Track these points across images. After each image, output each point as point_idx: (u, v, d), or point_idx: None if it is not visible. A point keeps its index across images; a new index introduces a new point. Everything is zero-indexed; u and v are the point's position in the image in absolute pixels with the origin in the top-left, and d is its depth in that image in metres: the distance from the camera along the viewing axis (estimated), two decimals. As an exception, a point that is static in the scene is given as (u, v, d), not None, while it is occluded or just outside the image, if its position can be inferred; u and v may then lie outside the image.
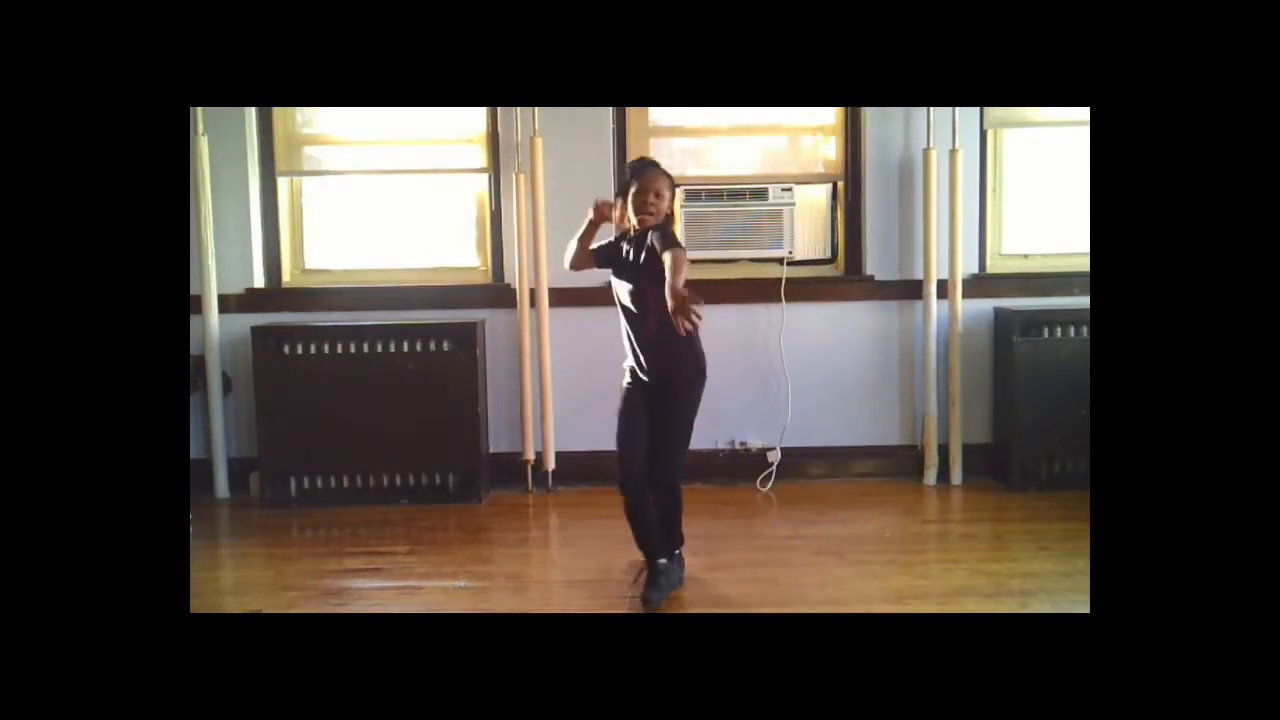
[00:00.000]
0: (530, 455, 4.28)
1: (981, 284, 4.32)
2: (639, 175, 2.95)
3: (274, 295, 4.40)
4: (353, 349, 4.07)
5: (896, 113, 4.26)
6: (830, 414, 4.35)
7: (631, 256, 2.96)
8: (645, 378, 2.96)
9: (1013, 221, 4.41)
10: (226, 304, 4.29)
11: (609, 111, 4.27)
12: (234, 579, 3.42)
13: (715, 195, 4.15)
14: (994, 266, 4.38)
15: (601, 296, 4.28)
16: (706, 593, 3.01)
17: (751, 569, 3.25)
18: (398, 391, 4.06)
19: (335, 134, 4.45)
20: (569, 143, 4.22)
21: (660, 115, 4.39)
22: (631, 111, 4.33)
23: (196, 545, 3.41)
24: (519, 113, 4.19)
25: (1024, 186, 4.39)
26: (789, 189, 4.24)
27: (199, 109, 4.09)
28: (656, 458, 2.96)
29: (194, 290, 4.15)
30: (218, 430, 4.29)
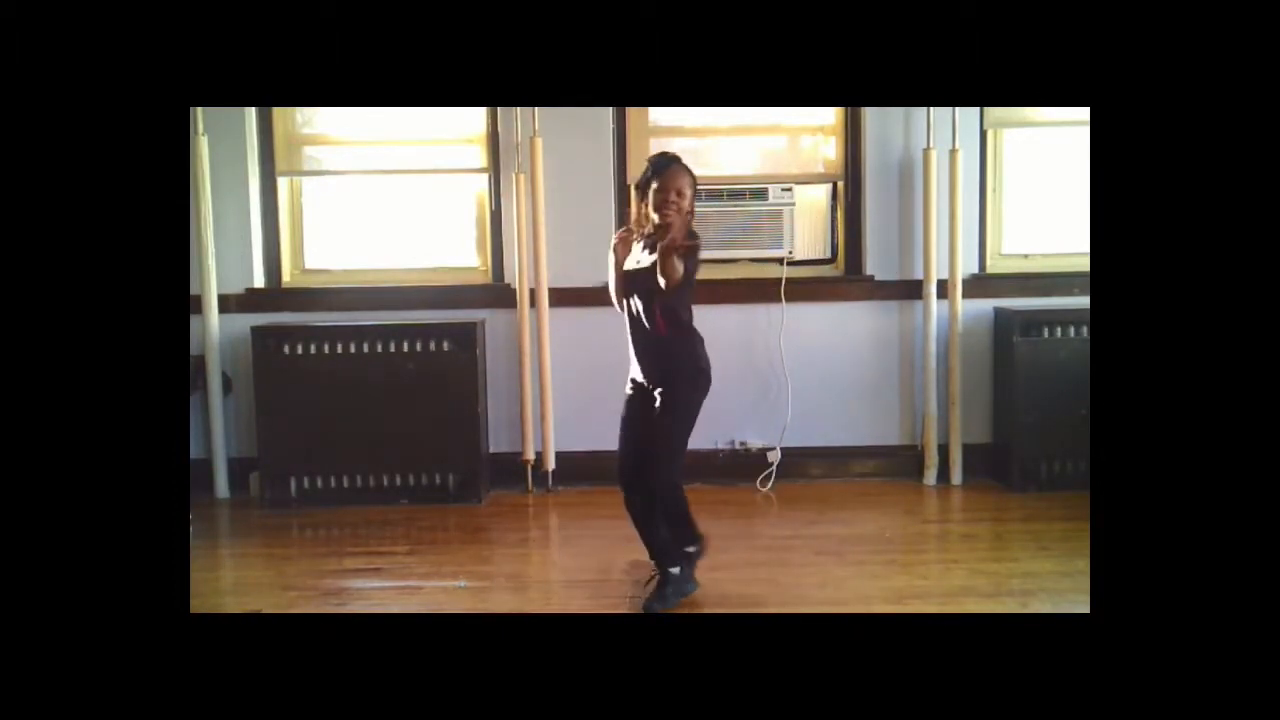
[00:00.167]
0: (530, 455, 4.28)
1: (981, 284, 4.32)
2: (660, 172, 2.82)
3: (274, 295, 4.40)
4: (353, 349, 4.07)
5: (896, 113, 4.26)
6: (830, 414, 4.35)
7: (644, 262, 2.85)
8: (644, 381, 2.92)
9: (1013, 221, 4.40)
10: (226, 304, 4.29)
11: (609, 111, 4.27)
12: (234, 579, 3.42)
13: (715, 195, 4.15)
14: (994, 266, 4.38)
15: (602, 296, 4.29)
16: (706, 593, 3.01)
17: (751, 569, 3.25)
18: (398, 391, 4.06)
19: (335, 134, 4.45)
20: (569, 143, 4.22)
21: (660, 115, 4.39)
22: (631, 111, 4.33)
23: (196, 545, 3.41)
24: (519, 113, 4.19)
25: (1024, 186, 4.39)
26: (789, 189, 4.24)
27: (199, 109, 4.08)
28: (643, 459, 2.87)
29: (194, 290, 4.15)
30: (218, 430, 4.29)
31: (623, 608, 2.95)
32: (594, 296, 4.25)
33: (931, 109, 4.16)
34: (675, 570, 2.94)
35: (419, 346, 4.07)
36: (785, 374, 4.29)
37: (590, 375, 4.24)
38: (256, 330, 4.09)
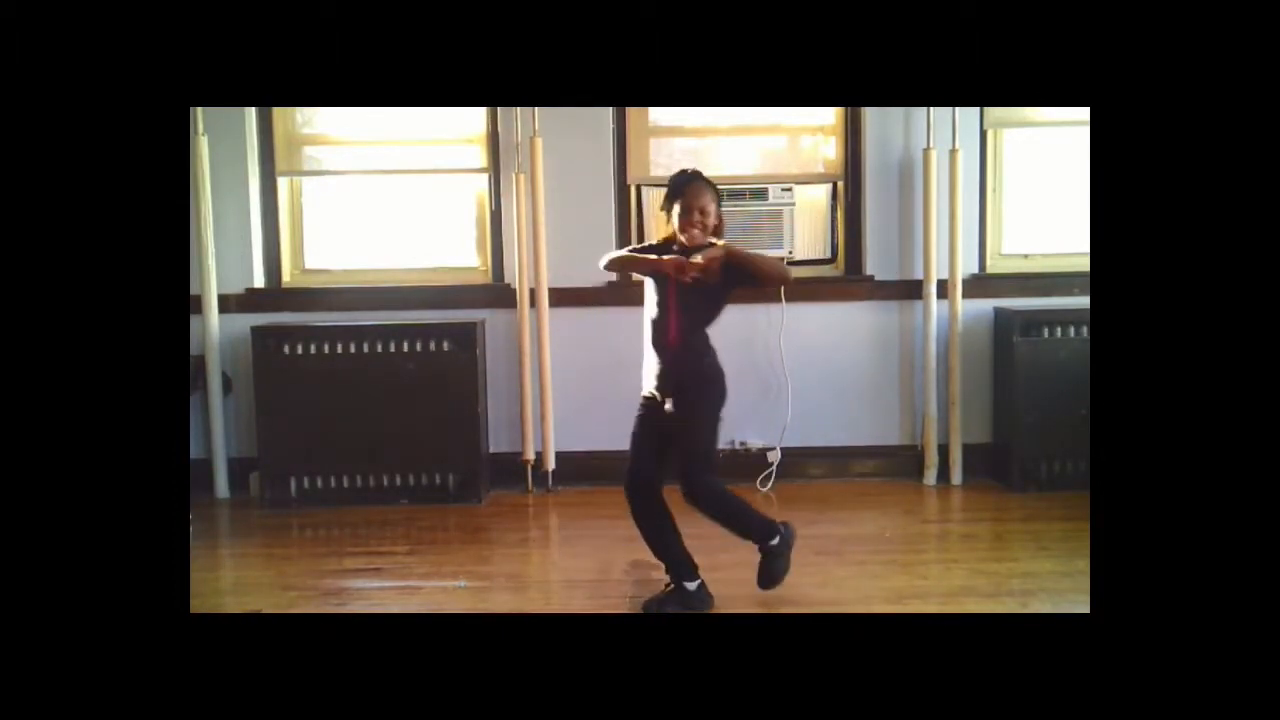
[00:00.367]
0: (530, 455, 4.28)
1: (981, 284, 4.32)
2: (683, 191, 2.77)
3: (274, 295, 4.40)
4: (353, 349, 4.07)
5: (896, 113, 4.26)
6: (830, 414, 4.35)
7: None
8: (658, 388, 2.88)
9: (1013, 221, 4.40)
10: (226, 304, 4.29)
11: (609, 111, 4.27)
12: (234, 579, 3.41)
13: (715, 195, 4.15)
14: (994, 266, 4.38)
15: (602, 297, 4.30)
16: (706, 593, 3.01)
17: (751, 569, 3.23)
18: (398, 391, 4.06)
19: (335, 134, 4.45)
20: (569, 143, 4.22)
21: (660, 115, 4.39)
22: (631, 111, 4.33)
23: (196, 545, 3.41)
24: (519, 113, 4.19)
25: (1024, 186, 4.39)
26: (789, 189, 4.25)
27: (199, 109, 4.08)
28: (674, 466, 2.84)
29: (194, 290, 4.15)
30: (218, 430, 4.29)
31: (623, 608, 2.95)
32: (594, 296, 4.26)
33: (931, 109, 4.16)
34: (691, 586, 2.89)
35: (419, 346, 4.07)
36: (785, 374, 4.29)
37: (590, 375, 4.25)
38: (256, 330, 4.09)
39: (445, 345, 4.09)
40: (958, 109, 4.16)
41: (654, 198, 4.39)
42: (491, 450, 4.30)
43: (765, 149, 4.47)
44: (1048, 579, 3.10)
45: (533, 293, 4.23)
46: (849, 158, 4.36)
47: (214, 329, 4.23)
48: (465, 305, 4.31)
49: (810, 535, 3.62)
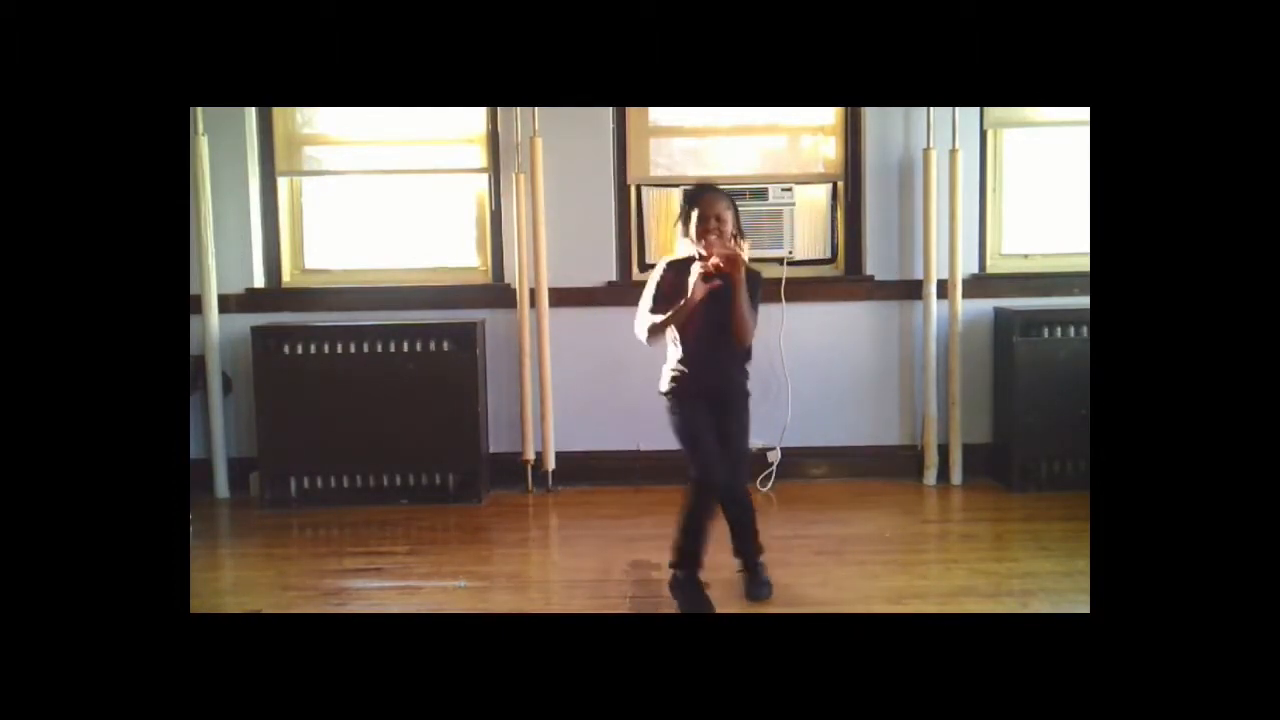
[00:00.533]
0: (530, 455, 4.28)
1: (981, 284, 4.32)
2: (697, 201, 2.83)
3: (274, 295, 4.40)
4: (353, 349, 4.07)
5: (896, 113, 4.26)
6: (830, 414, 4.36)
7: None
8: (720, 388, 2.92)
9: (1013, 221, 4.40)
10: (226, 304, 4.29)
11: (609, 111, 4.27)
12: (234, 579, 3.41)
13: (715, 195, 4.15)
14: (994, 266, 4.38)
15: (602, 297, 4.30)
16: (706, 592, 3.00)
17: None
18: (398, 391, 4.06)
19: (335, 134, 4.45)
20: (569, 143, 4.22)
21: (660, 115, 4.39)
22: (631, 111, 4.33)
23: (196, 545, 3.41)
24: (519, 113, 4.20)
25: (1024, 186, 4.39)
26: (789, 189, 4.25)
27: (199, 109, 4.09)
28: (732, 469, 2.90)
29: (194, 290, 4.15)
30: (218, 430, 4.29)
31: (623, 608, 2.95)
32: (594, 296, 4.26)
33: (931, 109, 4.17)
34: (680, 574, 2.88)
35: (419, 346, 4.07)
36: (785, 374, 4.29)
37: (590, 375, 4.25)
38: (256, 330, 4.09)
39: (445, 345, 4.09)
40: (958, 109, 4.16)
41: (654, 198, 4.40)
42: (491, 450, 4.31)
43: (765, 149, 4.47)
44: (1048, 579, 3.10)
45: (533, 293, 4.23)
46: (849, 158, 4.36)
47: (214, 329, 4.23)
48: (465, 305, 4.31)
49: (810, 535, 3.63)
